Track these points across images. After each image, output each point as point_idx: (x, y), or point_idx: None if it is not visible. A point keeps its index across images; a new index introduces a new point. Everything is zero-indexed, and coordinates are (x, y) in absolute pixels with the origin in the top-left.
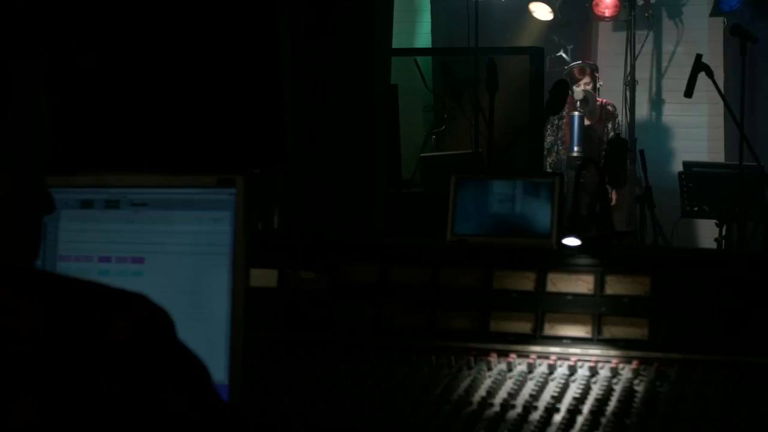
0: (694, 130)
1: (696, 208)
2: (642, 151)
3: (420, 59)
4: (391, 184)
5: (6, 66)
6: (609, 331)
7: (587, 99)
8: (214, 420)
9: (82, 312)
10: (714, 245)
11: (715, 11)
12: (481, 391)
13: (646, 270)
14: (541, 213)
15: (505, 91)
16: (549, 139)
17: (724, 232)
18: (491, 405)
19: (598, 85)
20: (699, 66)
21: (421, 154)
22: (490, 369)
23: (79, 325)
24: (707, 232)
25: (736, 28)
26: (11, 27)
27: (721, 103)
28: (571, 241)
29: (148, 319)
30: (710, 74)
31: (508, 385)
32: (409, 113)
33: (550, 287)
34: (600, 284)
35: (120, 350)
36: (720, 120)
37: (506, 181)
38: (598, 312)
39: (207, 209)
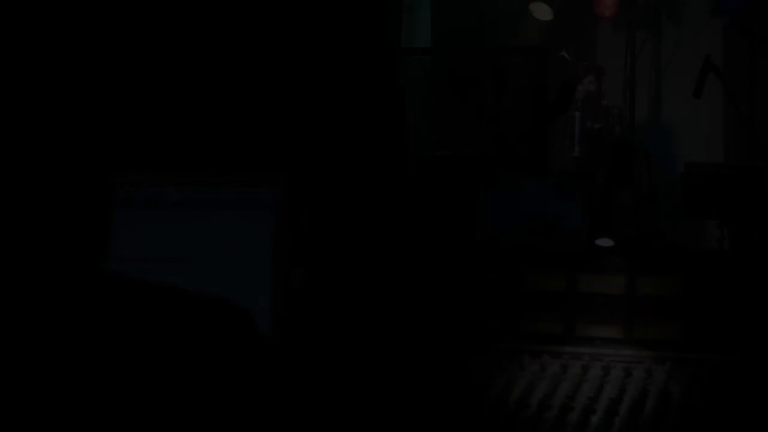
0: (694, 131)
1: (698, 209)
2: (647, 152)
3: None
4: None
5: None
6: (641, 332)
7: (588, 100)
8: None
9: (181, 312)
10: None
11: (715, 12)
12: (517, 392)
13: (678, 271)
14: (573, 213)
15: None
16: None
17: (725, 233)
18: (528, 406)
19: (603, 88)
20: (708, 67)
21: (421, 155)
22: (522, 369)
23: (181, 325)
24: (707, 233)
25: (745, 29)
26: None
27: (721, 103)
28: (605, 242)
29: (241, 314)
30: (720, 75)
31: (543, 386)
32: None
33: (582, 288)
34: (632, 285)
35: (225, 343)
36: (719, 120)
37: (537, 181)
38: (630, 313)
39: (249, 208)
